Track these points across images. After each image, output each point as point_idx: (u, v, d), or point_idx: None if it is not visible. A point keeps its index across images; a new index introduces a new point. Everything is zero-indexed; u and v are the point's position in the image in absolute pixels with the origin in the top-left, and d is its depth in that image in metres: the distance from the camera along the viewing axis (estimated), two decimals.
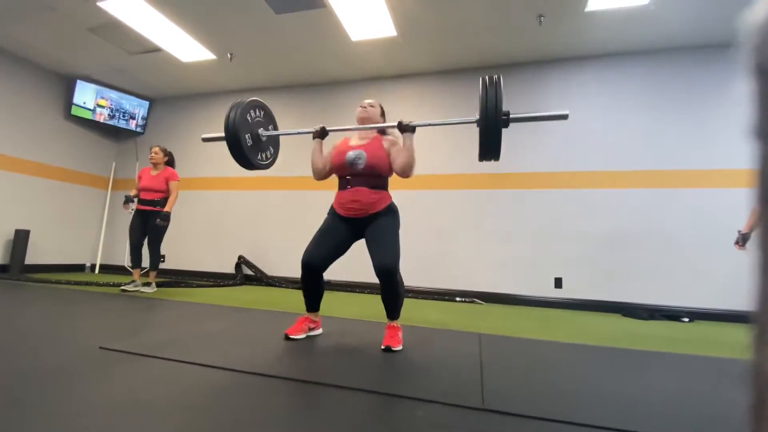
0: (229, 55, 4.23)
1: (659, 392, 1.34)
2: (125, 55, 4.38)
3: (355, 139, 1.94)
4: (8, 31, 3.98)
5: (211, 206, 5.12)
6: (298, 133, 2.10)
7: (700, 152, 3.58)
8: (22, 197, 4.55)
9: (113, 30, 3.86)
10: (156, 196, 3.42)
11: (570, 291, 3.73)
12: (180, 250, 5.14)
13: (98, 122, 5.11)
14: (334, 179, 1.98)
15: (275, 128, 2.17)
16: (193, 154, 5.33)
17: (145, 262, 3.44)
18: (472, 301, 3.79)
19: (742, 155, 3.42)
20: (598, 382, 1.43)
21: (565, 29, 3.51)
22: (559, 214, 3.86)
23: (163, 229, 3.42)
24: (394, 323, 1.81)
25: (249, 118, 1.95)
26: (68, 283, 3.67)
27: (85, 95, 4.96)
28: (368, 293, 3.97)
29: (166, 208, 3.41)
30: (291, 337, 1.77)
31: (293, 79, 4.81)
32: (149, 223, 3.39)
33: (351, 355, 1.63)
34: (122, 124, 5.27)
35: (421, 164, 4.30)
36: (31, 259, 4.47)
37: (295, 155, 4.79)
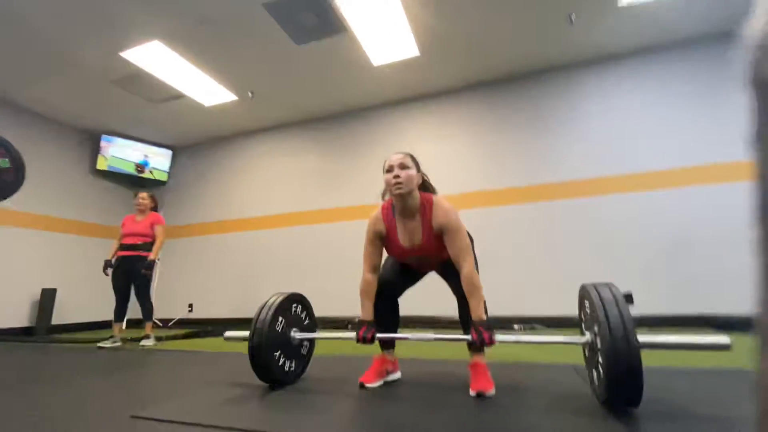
0: (250, 94, 4.20)
1: None
2: (148, 105, 4.40)
3: (401, 230, 1.54)
4: (32, 91, 4.05)
5: (240, 249, 4.92)
6: (337, 338, 1.67)
7: None
8: (50, 255, 4.46)
9: (136, 80, 3.88)
10: (139, 240, 3.24)
11: (645, 306, 3.24)
12: (209, 298, 4.91)
13: (123, 174, 5.10)
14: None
15: (311, 317, 1.79)
16: (218, 200, 5.23)
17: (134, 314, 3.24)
18: (533, 328, 3.37)
19: None
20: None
21: (598, 27, 3.32)
22: (614, 222, 3.50)
23: (149, 278, 3.22)
24: (480, 359, 1.48)
25: (279, 321, 1.59)
26: (95, 341, 3.43)
27: (118, 150, 4.99)
28: (434, 328, 3.59)
29: (152, 255, 3.21)
30: (368, 386, 1.46)
31: (315, 112, 4.73)
32: (134, 272, 3.17)
33: (443, 406, 1.29)
34: (146, 174, 5.26)
35: (456, 181, 4.10)
36: (58, 318, 4.29)
37: (326, 186, 4.64)
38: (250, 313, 5.21)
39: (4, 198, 2.29)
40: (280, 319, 1.59)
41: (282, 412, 1.27)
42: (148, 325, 3.23)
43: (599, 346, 1.16)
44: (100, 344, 3.01)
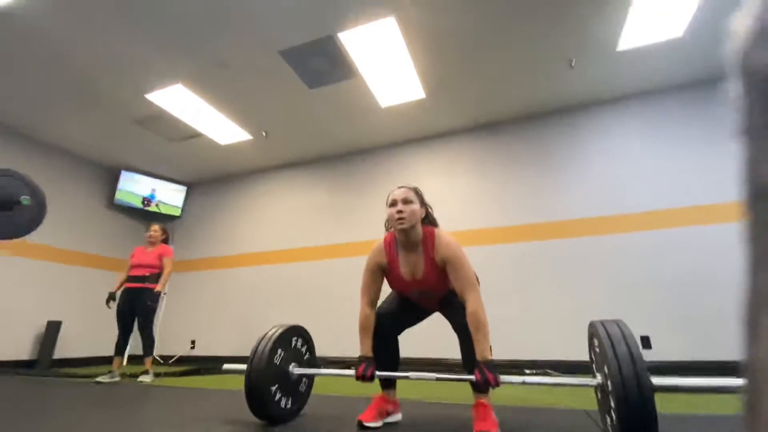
0: (264, 134, 4.38)
1: None
2: (167, 143, 4.62)
3: (403, 263, 1.53)
4: (57, 127, 4.28)
5: (245, 285, 4.91)
6: (337, 375, 1.57)
7: None
8: (58, 287, 4.50)
9: (157, 120, 4.11)
10: (146, 272, 3.26)
11: (662, 352, 3.11)
12: (213, 334, 4.84)
13: (139, 209, 5.25)
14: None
15: (311, 352, 1.77)
16: (229, 236, 5.31)
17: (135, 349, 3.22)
18: (545, 373, 3.20)
19: None
20: None
21: (598, 71, 3.45)
22: (628, 262, 3.41)
23: (153, 310, 3.21)
24: (484, 400, 1.41)
25: (278, 354, 1.55)
26: (95, 376, 3.35)
27: (128, 184, 5.18)
28: (436, 370, 3.45)
29: (158, 287, 3.20)
30: (366, 425, 1.39)
31: (325, 151, 4.89)
32: (138, 304, 3.16)
33: None
34: (161, 209, 5.40)
35: (464, 219, 4.10)
36: (61, 352, 4.25)
37: (336, 222, 4.69)
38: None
39: (26, 234, 2.35)
40: (279, 351, 1.55)
41: None
42: (148, 360, 3.18)
43: (610, 388, 1.09)
44: (97, 379, 2.96)
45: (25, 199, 2.30)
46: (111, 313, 3.28)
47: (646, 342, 3.16)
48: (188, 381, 3.08)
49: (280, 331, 1.59)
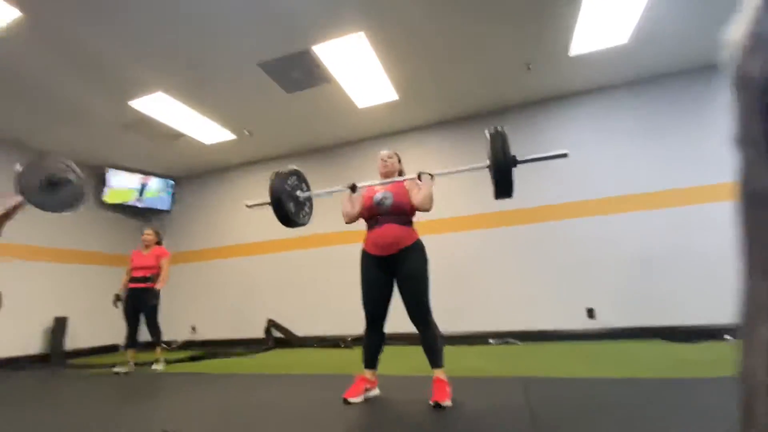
0: (246, 133, 4.59)
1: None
2: (153, 144, 4.78)
3: (379, 187, 2.13)
4: (46, 136, 4.43)
5: (238, 273, 5.29)
6: (331, 192, 2.29)
7: (700, 169, 3.63)
8: (60, 285, 4.78)
9: (143, 124, 4.27)
10: (147, 273, 3.58)
11: (604, 321, 3.66)
12: (211, 320, 5.25)
13: (128, 206, 5.45)
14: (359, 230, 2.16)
15: (309, 189, 2.42)
16: (217, 226, 5.59)
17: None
18: (506, 342, 3.74)
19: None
20: (654, 423, 1.43)
21: (553, 73, 3.76)
22: (580, 244, 3.89)
23: (156, 306, 3.57)
24: (440, 375, 1.85)
25: (288, 184, 2.18)
26: (109, 366, 3.69)
27: (116, 182, 5.34)
28: (409, 345, 3.94)
29: (158, 285, 3.55)
30: (349, 400, 1.82)
31: (307, 146, 5.15)
32: (142, 301, 3.51)
33: (404, 417, 1.65)
34: (150, 204, 5.61)
35: (436, 209, 4.48)
36: (70, 344, 4.60)
37: (318, 213, 5.00)
38: (248, 333, 5.56)
39: (71, 209, 2.55)
40: (286, 185, 2.15)
41: (281, 423, 1.62)
42: (158, 349, 3.56)
43: (492, 163, 1.80)
44: (115, 370, 3.34)
45: (74, 178, 2.56)
46: (113, 304, 3.62)
47: (590, 313, 3.70)
48: (196, 366, 3.49)
49: (285, 171, 2.19)
